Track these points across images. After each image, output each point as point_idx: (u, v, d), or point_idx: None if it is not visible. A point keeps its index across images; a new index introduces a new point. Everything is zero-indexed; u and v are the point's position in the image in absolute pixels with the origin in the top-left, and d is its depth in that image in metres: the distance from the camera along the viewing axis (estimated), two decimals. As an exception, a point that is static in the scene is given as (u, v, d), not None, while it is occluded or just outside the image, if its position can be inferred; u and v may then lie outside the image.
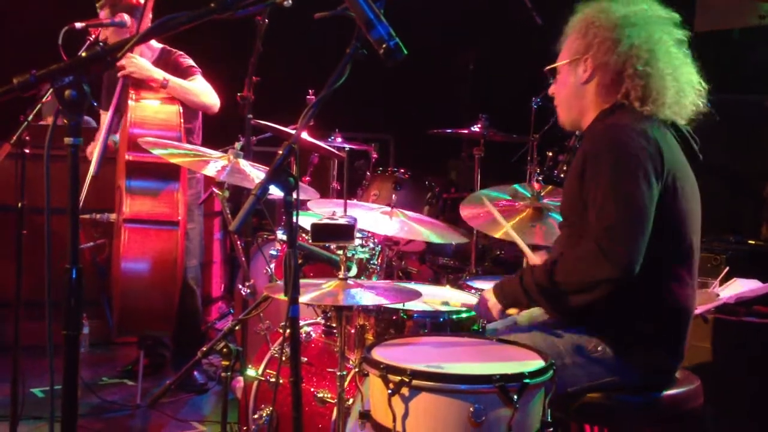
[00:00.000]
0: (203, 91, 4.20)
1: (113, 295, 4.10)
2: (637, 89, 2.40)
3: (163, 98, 4.05)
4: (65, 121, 1.56)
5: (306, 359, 2.89)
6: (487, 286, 3.17)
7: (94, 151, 4.10)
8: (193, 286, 4.37)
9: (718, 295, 3.41)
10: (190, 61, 4.31)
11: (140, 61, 4.06)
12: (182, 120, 4.00)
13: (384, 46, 1.78)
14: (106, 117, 4.40)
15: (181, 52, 4.33)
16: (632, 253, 2.19)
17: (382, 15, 1.80)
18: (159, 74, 4.07)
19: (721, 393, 2.92)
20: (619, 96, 2.43)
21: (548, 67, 2.62)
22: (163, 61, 4.25)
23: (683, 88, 2.45)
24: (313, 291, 2.39)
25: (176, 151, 3.30)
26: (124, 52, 1.57)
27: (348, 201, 3.47)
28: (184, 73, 4.21)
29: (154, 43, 4.33)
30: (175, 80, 4.10)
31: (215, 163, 3.12)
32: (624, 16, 2.44)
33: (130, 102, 3.97)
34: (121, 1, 4.17)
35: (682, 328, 2.43)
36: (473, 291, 3.11)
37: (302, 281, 2.42)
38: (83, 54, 1.56)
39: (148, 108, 3.99)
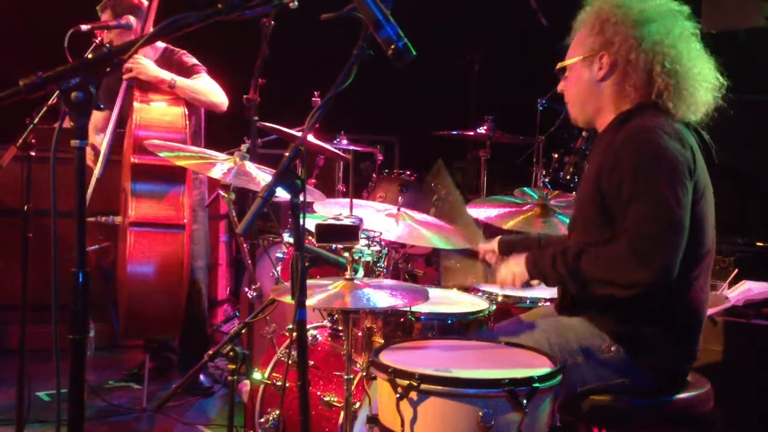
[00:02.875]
0: (211, 90, 4.16)
1: (119, 298, 4.09)
2: (670, 88, 2.36)
3: (168, 100, 4.03)
4: (72, 123, 1.55)
5: (312, 362, 2.87)
6: (493, 289, 3.19)
7: (100, 152, 4.09)
8: (200, 288, 4.35)
9: (727, 298, 3.39)
10: (194, 60, 4.27)
11: (146, 63, 4.04)
12: (188, 122, 3.99)
13: (393, 46, 1.77)
14: (95, 115, 4.38)
15: (184, 51, 4.30)
16: (670, 261, 2.17)
17: (390, 16, 1.79)
18: (167, 75, 4.04)
19: (731, 396, 2.90)
20: (653, 95, 2.38)
21: (560, 65, 2.56)
22: (166, 60, 4.22)
23: (709, 86, 2.43)
24: (320, 293, 2.38)
25: (182, 154, 3.29)
26: (131, 53, 1.57)
27: (354, 201, 3.45)
28: (188, 71, 4.18)
29: (158, 43, 4.30)
30: (182, 80, 4.07)
31: (221, 166, 3.11)
32: (641, 11, 2.39)
33: (135, 104, 3.95)
34: (122, 3, 4.16)
35: (696, 332, 2.41)
36: (480, 294, 3.09)
37: (308, 282, 2.40)
38: (90, 56, 1.55)
39: (153, 110, 3.97)
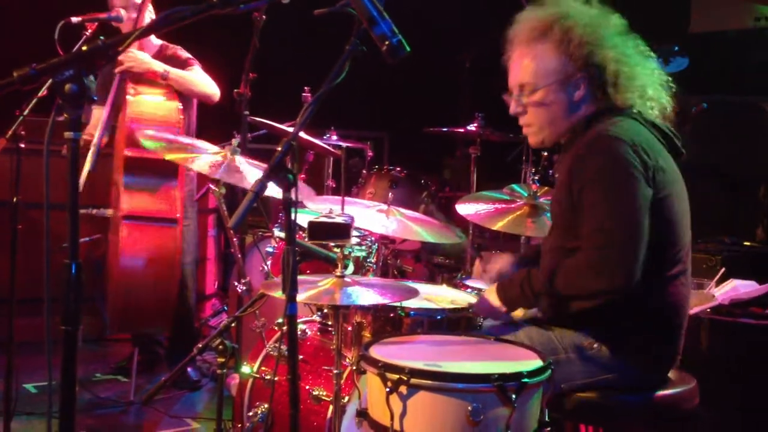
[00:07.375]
0: (203, 81, 4.24)
1: (108, 291, 4.08)
2: (628, 93, 2.42)
3: (163, 94, 4.03)
4: (65, 115, 1.54)
5: (301, 357, 2.88)
6: (482, 285, 3.19)
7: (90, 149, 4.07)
8: (188, 283, 4.36)
9: (713, 296, 3.41)
10: (188, 54, 4.35)
11: (138, 55, 4.05)
12: (182, 117, 3.99)
13: (387, 43, 1.78)
14: (97, 111, 4.39)
15: (179, 47, 4.35)
16: (631, 268, 2.20)
17: (384, 12, 1.79)
18: (159, 66, 4.08)
19: (717, 394, 2.92)
20: (617, 102, 2.42)
21: (533, 90, 2.49)
22: (161, 56, 4.26)
23: (661, 84, 2.49)
24: (310, 289, 2.38)
25: (171, 146, 3.28)
26: (126, 46, 1.56)
27: (345, 198, 3.45)
28: (182, 65, 4.24)
29: (154, 39, 4.34)
30: (175, 71, 4.12)
31: (211, 159, 3.10)
32: (590, 24, 2.42)
33: (128, 97, 3.94)
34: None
35: (678, 329, 2.44)
36: (469, 290, 3.11)
37: (299, 278, 2.41)
38: (84, 48, 1.55)
39: (147, 104, 3.96)
